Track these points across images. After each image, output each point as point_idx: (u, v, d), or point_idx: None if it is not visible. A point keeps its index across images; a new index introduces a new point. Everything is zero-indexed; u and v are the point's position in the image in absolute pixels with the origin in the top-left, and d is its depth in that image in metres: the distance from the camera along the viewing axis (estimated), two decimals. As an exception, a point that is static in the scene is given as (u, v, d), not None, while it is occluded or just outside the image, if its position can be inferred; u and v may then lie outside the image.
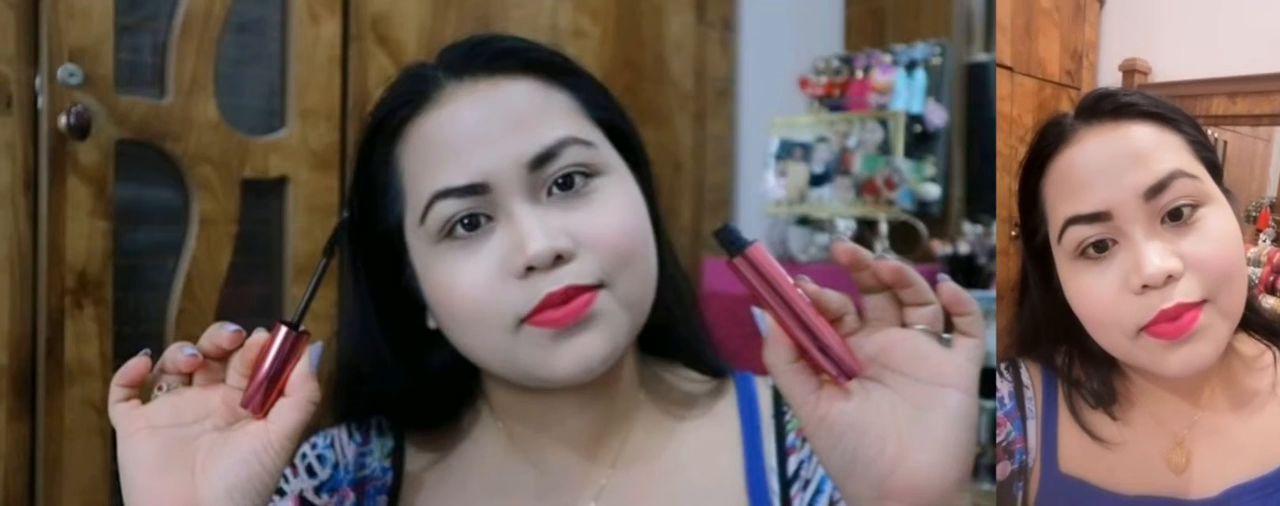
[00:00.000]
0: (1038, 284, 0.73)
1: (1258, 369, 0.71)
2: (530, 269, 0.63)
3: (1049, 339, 0.74)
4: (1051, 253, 0.69)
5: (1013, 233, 0.77)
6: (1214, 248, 0.63)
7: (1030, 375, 0.75)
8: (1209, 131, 0.73)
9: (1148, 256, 0.62)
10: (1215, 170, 0.66)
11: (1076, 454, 0.71)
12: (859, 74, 2.09)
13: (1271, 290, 0.88)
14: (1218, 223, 0.64)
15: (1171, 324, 0.62)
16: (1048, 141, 0.68)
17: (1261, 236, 0.90)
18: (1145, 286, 0.62)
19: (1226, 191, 0.67)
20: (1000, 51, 0.98)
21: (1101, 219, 0.64)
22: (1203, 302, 0.62)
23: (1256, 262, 0.88)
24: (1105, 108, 0.67)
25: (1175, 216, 0.63)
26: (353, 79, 1.68)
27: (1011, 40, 0.98)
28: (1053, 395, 0.73)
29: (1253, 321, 0.70)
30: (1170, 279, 0.62)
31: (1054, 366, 0.74)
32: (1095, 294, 0.65)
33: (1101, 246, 0.65)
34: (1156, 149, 0.64)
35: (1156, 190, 0.63)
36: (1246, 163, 0.87)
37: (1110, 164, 0.64)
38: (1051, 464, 0.72)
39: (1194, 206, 0.64)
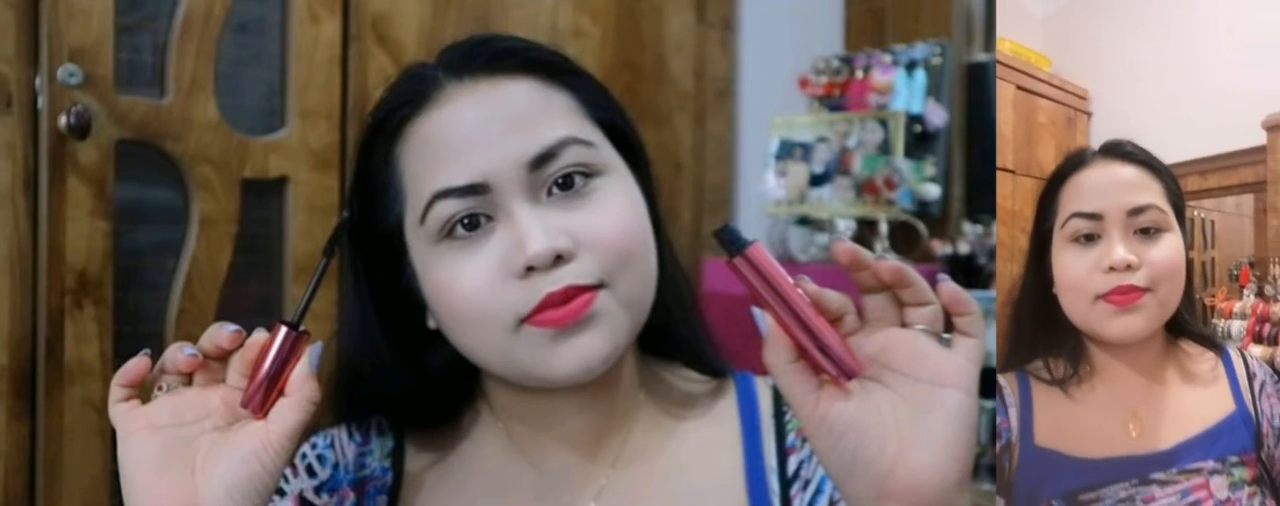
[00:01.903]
0: (1033, 266, 0.99)
1: (1201, 361, 0.97)
2: (530, 269, 0.63)
3: (1030, 346, 0.98)
4: (1051, 243, 0.97)
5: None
6: (1164, 256, 0.91)
7: (1007, 380, 1.00)
8: (1196, 210, 1.12)
9: (1117, 250, 0.91)
10: (1179, 210, 0.95)
11: (1049, 430, 0.95)
12: (859, 74, 2.09)
13: (1258, 339, 1.09)
14: (1172, 241, 0.92)
15: (1121, 296, 0.91)
16: (1070, 163, 0.98)
17: (1245, 291, 1.13)
18: (1111, 268, 0.91)
19: (1183, 225, 0.95)
20: (1004, 157, 1.22)
21: (1095, 218, 0.93)
22: (1147, 290, 0.91)
23: (1242, 315, 1.12)
24: (1114, 151, 0.98)
25: (1144, 231, 0.92)
26: (353, 79, 1.68)
27: (1014, 148, 1.24)
28: (1027, 389, 0.98)
29: (1192, 330, 0.97)
30: (1129, 268, 0.91)
31: (1028, 372, 0.98)
32: (1077, 268, 0.93)
33: (1088, 238, 0.94)
34: (1140, 184, 0.94)
35: (1136, 212, 0.92)
36: (1234, 236, 1.18)
37: (1109, 186, 0.94)
38: (1028, 439, 0.95)
39: (1159, 229, 0.92)
